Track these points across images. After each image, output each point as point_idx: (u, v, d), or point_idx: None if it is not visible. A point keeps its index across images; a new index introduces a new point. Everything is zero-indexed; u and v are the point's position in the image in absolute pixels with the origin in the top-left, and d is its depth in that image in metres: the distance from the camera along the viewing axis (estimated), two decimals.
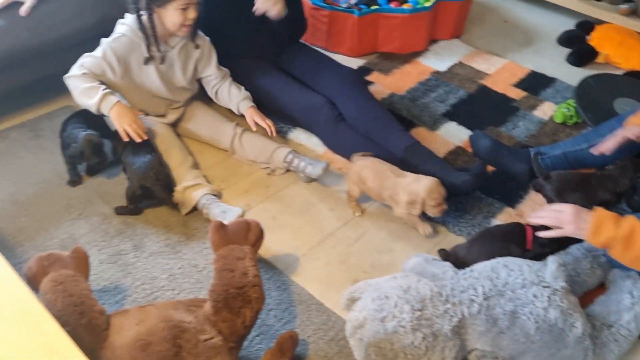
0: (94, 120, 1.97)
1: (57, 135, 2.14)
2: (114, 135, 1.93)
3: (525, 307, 1.44)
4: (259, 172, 2.10)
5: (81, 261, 1.45)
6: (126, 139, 1.87)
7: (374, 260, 1.80)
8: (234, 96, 2.14)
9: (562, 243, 1.68)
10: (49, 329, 1.01)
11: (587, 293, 1.68)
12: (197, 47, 2.06)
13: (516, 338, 1.43)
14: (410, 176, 1.85)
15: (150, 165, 1.83)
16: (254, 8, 2.06)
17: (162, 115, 2.12)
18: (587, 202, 1.64)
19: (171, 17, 1.87)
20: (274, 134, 2.10)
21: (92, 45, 1.93)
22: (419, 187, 1.80)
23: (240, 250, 1.48)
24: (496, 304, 1.45)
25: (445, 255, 1.73)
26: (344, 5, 2.84)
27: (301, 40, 2.55)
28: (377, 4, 2.91)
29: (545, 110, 2.49)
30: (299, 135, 2.25)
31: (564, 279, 1.52)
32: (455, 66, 2.75)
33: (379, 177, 1.86)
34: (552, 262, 1.55)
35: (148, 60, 1.95)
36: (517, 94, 2.58)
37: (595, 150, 1.89)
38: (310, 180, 2.06)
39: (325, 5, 2.70)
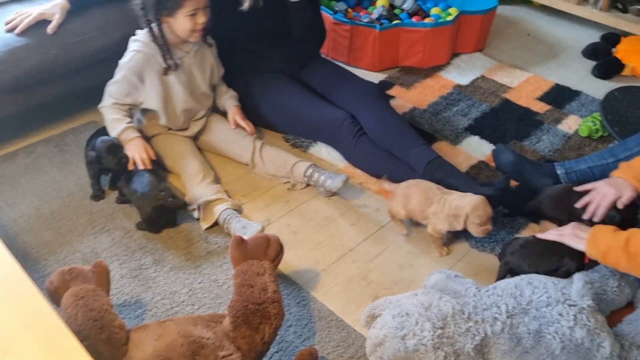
0: None
1: (81, 150, 2.17)
2: None
3: (551, 326, 1.41)
4: (280, 186, 2.10)
5: (102, 275, 1.46)
6: (131, 167, 1.91)
7: (395, 277, 1.78)
8: (222, 93, 2.20)
9: None
10: (69, 345, 1.01)
11: (614, 312, 1.63)
12: (210, 46, 2.10)
13: (541, 358, 1.39)
14: (456, 193, 1.83)
15: (152, 185, 1.84)
16: None
17: (185, 129, 2.14)
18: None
19: (181, 24, 1.90)
20: (253, 134, 2.13)
21: (118, 61, 1.97)
22: (465, 202, 1.76)
23: (260, 266, 1.47)
24: (520, 323, 1.41)
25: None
26: (365, 20, 2.85)
27: (322, 55, 2.56)
28: (399, 19, 2.92)
29: (570, 123, 2.45)
30: (320, 150, 2.25)
31: (591, 297, 1.48)
32: (477, 80, 2.73)
33: (424, 193, 1.84)
34: (578, 279, 1.51)
35: (166, 70, 1.97)
36: (541, 107, 2.55)
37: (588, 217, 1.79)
38: (331, 194, 2.05)
39: (346, 20, 2.71)
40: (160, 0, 1.84)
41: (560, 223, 1.80)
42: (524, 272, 1.63)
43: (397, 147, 2.06)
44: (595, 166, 1.99)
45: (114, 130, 1.94)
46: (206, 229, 1.90)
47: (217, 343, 1.31)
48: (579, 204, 1.76)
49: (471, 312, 1.43)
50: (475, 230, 1.77)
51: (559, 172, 2.06)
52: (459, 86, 2.68)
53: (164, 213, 1.87)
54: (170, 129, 2.12)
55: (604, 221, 1.70)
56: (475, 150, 2.28)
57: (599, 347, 1.41)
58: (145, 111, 2.08)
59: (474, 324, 1.40)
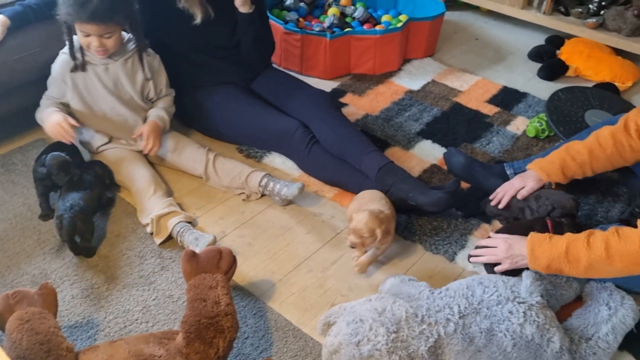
0: (67, 151, 1.96)
1: (28, 169, 2.13)
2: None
3: (502, 324, 1.44)
4: (234, 198, 2.09)
5: (49, 297, 1.42)
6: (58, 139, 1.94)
7: (351, 283, 1.79)
8: (153, 107, 2.15)
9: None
10: None
11: (564, 307, 1.67)
12: (142, 62, 2.06)
13: (493, 356, 1.42)
14: (366, 206, 1.78)
15: (73, 211, 1.78)
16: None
17: (133, 143, 2.11)
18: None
19: (79, 37, 1.92)
20: (150, 153, 2.08)
21: None
22: (355, 217, 1.73)
23: (212, 279, 1.46)
24: (472, 322, 1.44)
25: None
26: (317, 29, 2.86)
27: (274, 65, 2.57)
28: (350, 27, 2.95)
29: (518, 125, 2.51)
30: (274, 159, 2.24)
31: (540, 294, 1.52)
32: (428, 85, 2.77)
33: (358, 202, 1.85)
34: (526, 276, 1.55)
35: (74, 68, 1.98)
36: (490, 110, 2.61)
37: (495, 203, 1.93)
38: (287, 203, 2.05)
39: (297, 29, 2.72)
40: (61, 8, 1.85)
41: (506, 220, 1.90)
42: None
43: (349, 154, 2.07)
44: None
45: (38, 114, 2.01)
46: (160, 243, 1.87)
47: None
48: (492, 196, 1.88)
49: (424, 314, 1.44)
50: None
51: (508, 172, 2.11)
52: (410, 91, 2.72)
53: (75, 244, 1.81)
54: (110, 141, 2.10)
55: (512, 210, 1.87)
56: (428, 154, 2.32)
57: (549, 342, 1.44)
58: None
59: (427, 326, 1.42)
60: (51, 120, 1.94)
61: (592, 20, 3.02)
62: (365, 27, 2.98)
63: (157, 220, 1.88)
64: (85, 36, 1.88)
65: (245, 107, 2.24)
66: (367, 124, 2.47)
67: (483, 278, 1.56)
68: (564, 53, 2.96)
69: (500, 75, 2.89)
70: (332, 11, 3.04)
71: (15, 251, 1.83)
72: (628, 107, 2.49)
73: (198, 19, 2.10)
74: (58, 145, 1.98)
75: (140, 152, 2.10)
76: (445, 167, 2.23)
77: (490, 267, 1.70)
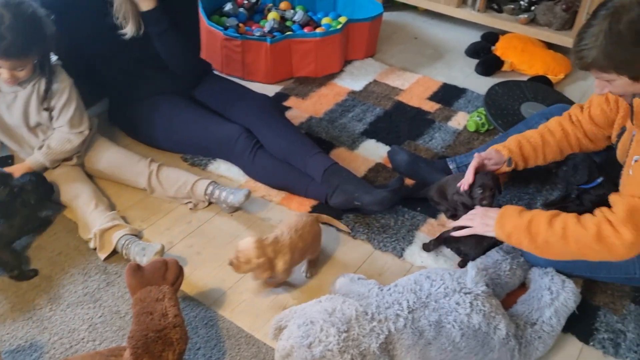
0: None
1: None
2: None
3: (449, 315, 1.47)
4: (181, 207, 2.06)
5: None
6: None
7: (302, 286, 1.78)
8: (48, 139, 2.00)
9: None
10: None
11: (509, 294, 1.73)
12: (46, 93, 1.93)
13: (443, 347, 1.44)
14: (283, 228, 1.73)
15: None
16: None
17: (68, 159, 2.05)
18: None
19: None
20: None
21: None
22: (243, 240, 1.67)
23: (159, 291, 1.43)
24: (421, 316, 1.46)
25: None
26: (258, 34, 2.86)
27: (216, 72, 2.55)
28: (291, 30, 2.96)
29: (459, 120, 2.57)
30: (219, 167, 2.22)
31: (485, 283, 1.56)
32: (370, 85, 2.81)
33: (284, 224, 1.79)
34: (471, 267, 1.58)
35: None
36: (431, 106, 2.66)
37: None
38: (234, 210, 2.04)
39: (237, 35, 2.70)
40: None
41: (446, 211, 1.94)
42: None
43: (294, 158, 2.08)
44: None
45: None
46: (104, 258, 1.82)
47: None
48: (461, 182, 1.87)
49: (374, 312, 1.46)
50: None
51: (451, 167, 2.16)
52: (353, 92, 2.74)
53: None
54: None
55: (449, 202, 1.89)
56: (372, 153, 2.34)
57: (495, 330, 1.48)
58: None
59: (377, 323, 1.43)
60: None
61: (524, 16, 3.12)
62: (305, 30, 2.99)
63: (100, 235, 1.83)
64: None
65: (187, 115, 2.21)
66: (311, 126, 2.48)
67: (430, 272, 1.59)
68: (499, 49, 3.05)
69: (439, 73, 2.95)
70: (272, 15, 3.04)
71: None
72: (561, 98, 2.59)
73: (130, 33, 2.06)
74: None
75: (77, 166, 2.05)
76: (390, 165, 2.26)
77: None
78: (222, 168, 2.22)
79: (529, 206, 2.07)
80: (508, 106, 2.49)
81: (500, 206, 1.71)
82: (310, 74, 2.83)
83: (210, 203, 2.06)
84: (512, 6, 3.20)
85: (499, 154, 1.89)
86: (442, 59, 3.10)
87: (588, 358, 1.61)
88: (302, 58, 2.77)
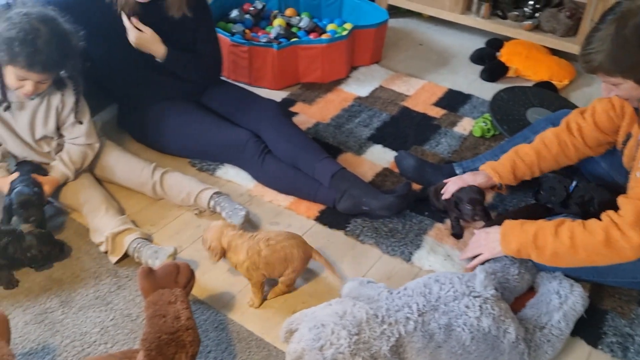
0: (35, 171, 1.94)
1: None
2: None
3: (459, 318, 1.47)
4: (190, 212, 2.07)
5: (1, 325, 1.37)
6: None
7: (311, 289, 1.80)
8: (62, 151, 2.02)
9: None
10: None
11: (518, 298, 1.73)
12: (77, 105, 1.96)
13: (453, 350, 1.45)
14: (278, 238, 1.72)
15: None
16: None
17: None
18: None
19: (9, 78, 1.80)
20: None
21: None
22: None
23: (171, 294, 1.44)
24: (431, 319, 1.47)
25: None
26: (264, 40, 2.88)
27: (223, 78, 2.57)
28: (297, 37, 2.98)
29: (465, 125, 2.58)
30: (228, 171, 2.24)
31: (494, 287, 1.57)
32: (376, 90, 2.83)
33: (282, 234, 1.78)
34: (480, 271, 1.59)
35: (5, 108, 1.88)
36: (437, 112, 2.68)
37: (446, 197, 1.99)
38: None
39: (244, 41, 2.73)
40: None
41: (445, 212, 2.01)
42: None
43: (302, 163, 2.09)
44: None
45: None
46: (115, 262, 1.84)
47: None
48: (444, 189, 1.96)
49: (384, 315, 1.47)
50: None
51: (457, 172, 2.17)
52: (359, 98, 2.76)
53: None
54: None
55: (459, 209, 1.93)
56: (379, 158, 2.36)
57: (505, 333, 1.49)
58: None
59: (387, 326, 1.44)
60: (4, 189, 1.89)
61: (528, 22, 3.14)
62: (311, 36, 3.02)
63: (112, 239, 1.84)
64: (20, 80, 1.78)
65: (195, 120, 2.23)
66: (318, 131, 2.50)
67: (439, 276, 1.60)
68: (504, 55, 3.08)
69: (445, 79, 2.97)
70: (278, 22, 3.07)
71: None
72: (565, 104, 2.61)
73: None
74: (26, 163, 1.98)
75: (86, 171, 2.06)
76: (397, 170, 2.27)
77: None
78: (231, 173, 2.23)
79: (493, 208, 2.10)
80: (514, 112, 2.51)
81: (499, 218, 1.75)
82: (316, 79, 2.85)
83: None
84: (517, 13, 3.22)
85: (488, 178, 1.94)
86: (447, 65, 3.12)
87: None
88: (308, 64, 2.79)
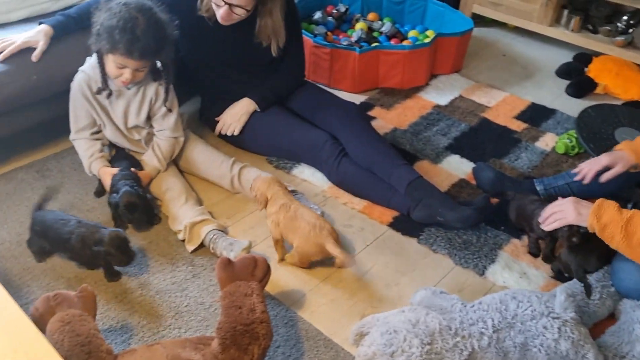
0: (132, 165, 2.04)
1: (63, 175, 2.18)
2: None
3: (536, 339, 1.43)
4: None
5: (88, 300, 1.44)
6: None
7: (381, 295, 1.79)
8: (154, 143, 2.09)
9: None
10: None
11: (597, 324, 1.67)
12: (167, 95, 2.03)
13: None
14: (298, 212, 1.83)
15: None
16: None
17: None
18: None
19: (109, 66, 1.89)
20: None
21: None
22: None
23: (248, 287, 1.47)
24: (506, 337, 1.43)
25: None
26: (345, 43, 2.90)
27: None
28: (378, 41, 2.98)
29: (547, 141, 2.51)
30: (303, 171, 2.26)
31: (574, 310, 1.51)
32: (456, 100, 2.79)
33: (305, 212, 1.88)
34: (560, 292, 1.54)
35: (99, 90, 1.97)
36: (518, 125, 2.61)
37: (579, 178, 1.94)
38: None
39: (326, 43, 2.75)
40: (99, 33, 1.83)
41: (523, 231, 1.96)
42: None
43: (378, 168, 2.09)
44: (572, 182, 2.05)
45: (85, 167, 2.06)
46: (192, 251, 1.89)
47: None
48: (542, 212, 1.81)
49: (458, 327, 1.44)
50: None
51: (538, 188, 2.11)
52: (438, 106, 2.73)
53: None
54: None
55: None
56: (456, 168, 2.32)
57: (583, 358, 1.43)
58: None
59: (461, 339, 1.42)
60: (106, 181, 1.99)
61: (621, 38, 3.02)
62: (392, 42, 3.01)
63: (190, 228, 1.90)
64: (119, 68, 1.87)
65: (274, 119, 2.27)
66: (395, 137, 2.48)
67: (516, 293, 1.56)
68: (593, 70, 2.96)
69: (528, 92, 2.89)
70: (360, 26, 3.08)
71: (51, 255, 1.87)
72: None
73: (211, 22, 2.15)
74: (122, 153, 2.11)
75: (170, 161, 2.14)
76: (473, 182, 2.23)
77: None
78: (306, 173, 2.26)
79: None
80: (601, 130, 2.41)
81: None
82: (396, 85, 2.84)
83: None
84: (609, 28, 3.10)
85: (626, 159, 1.84)
86: (531, 78, 3.04)
87: None
88: (389, 69, 2.79)
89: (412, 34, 3.10)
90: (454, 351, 1.39)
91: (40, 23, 2.08)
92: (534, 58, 3.24)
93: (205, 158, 2.17)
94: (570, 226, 1.72)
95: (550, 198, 2.00)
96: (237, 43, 2.20)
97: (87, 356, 1.27)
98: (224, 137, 2.38)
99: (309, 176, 2.25)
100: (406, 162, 2.10)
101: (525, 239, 1.98)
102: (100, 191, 2.09)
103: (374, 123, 2.54)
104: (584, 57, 3.11)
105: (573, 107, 2.70)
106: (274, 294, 1.77)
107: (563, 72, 3.04)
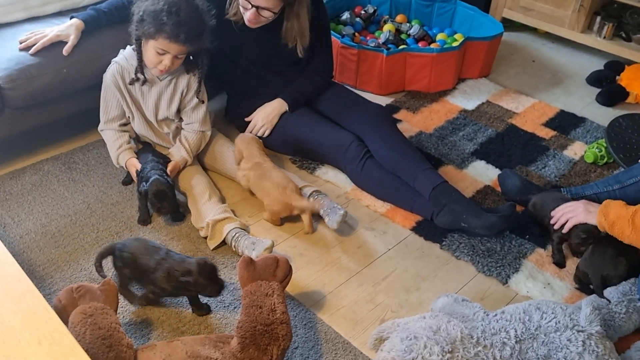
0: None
1: (89, 168, 2.20)
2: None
3: (559, 351, 1.40)
4: None
5: (111, 294, 1.45)
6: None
7: (402, 300, 1.77)
8: (182, 136, 2.11)
9: None
10: None
11: (622, 339, 1.63)
12: (199, 86, 2.06)
13: None
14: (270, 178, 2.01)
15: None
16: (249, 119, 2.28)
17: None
18: None
19: (148, 54, 1.92)
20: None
21: None
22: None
23: (269, 287, 1.47)
24: (529, 348, 1.41)
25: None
26: (372, 45, 2.88)
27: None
28: (405, 44, 2.96)
29: (576, 150, 2.46)
30: (327, 172, 2.26)
31: (599, 323, 1.48)
32: (483, 105, 2.75)
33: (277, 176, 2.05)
34: (586, 305, 1.51)
35: (132, 81, 1.99)
36: (546, 133, 2.57)
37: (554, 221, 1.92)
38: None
39: (354, 44, 2.74)
40: (143, 19, 1.86)
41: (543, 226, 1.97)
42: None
43: (403, 171, 2.07)
44: (601, 192, 2.00)
45: (112, 158, 2.08)
46: (213, 248, 1.90)
47: None
48: (553, 212, 1.89)
49: (480, 336, 1.42)
50: None
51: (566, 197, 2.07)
52: (464, 111, 2.70)
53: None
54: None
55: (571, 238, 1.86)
56: (482, 174, 2.29)
57: None
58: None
59: (482, 348, 1.39)
60: (133, 172, 2.02)
61: None
62: (420, 44, 2.99)
63: (212, 225, 1.90)
64: (160, 54, 1.89)
65: (299, 119, 2.26)
66: (420, 141, 2.46)
67: (540, 303, 1.53)
68: (624, 79, 2.90)
69: (557, 99, 2.85)
70: (388, 27, 3.06)
71: (74, 247, 1.89)
72: None
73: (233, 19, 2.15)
74: (148, 148, 2.12)
75: (195, 157, 2.15)
76: (499, 189, 2.20)
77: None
78: (330, 174, 2.25)
79: None
80: (632, 140, 2.36)
81: None
82: (422, 88, 2.81)
83: None
84: None
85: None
86: (560, 85, 2.99)
87: None
88: (416, 72, 2.77)
89: (440, 37, 3.07)
90: None
91: (71, 17, 2.11)
92: (564, 64, 3.19)
93: (231, 155, 2.17)
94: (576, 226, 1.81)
95: None
96: (264, 44, 2.21)
97: (107, 349, 1.28)
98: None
99: (332, 177, 2.24)
100: (431, 167, 2.08)
101: (550, 248, 1.95)
102: (127, 181, 2.12)
103: (399, 126, 2.52)
104: (616, 65, 3.05)
105: (603, 115, 2.66)
106: (294, 294, 1.77)
107: (594, 79, 2.99)
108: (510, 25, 3.45)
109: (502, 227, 1.91)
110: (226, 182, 2.18)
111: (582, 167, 2.36)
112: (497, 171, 2.28)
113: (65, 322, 1.38)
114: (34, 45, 2.02)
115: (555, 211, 1.88)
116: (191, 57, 2.02)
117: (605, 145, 2.36)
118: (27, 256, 1.84)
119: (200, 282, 1.57)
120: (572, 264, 1.90)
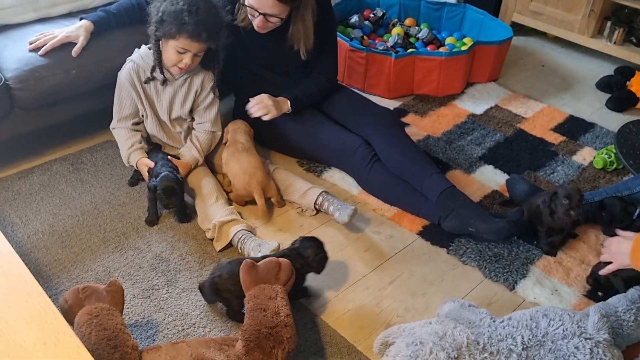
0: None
1: (97, 169, 2.21)
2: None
3: (567, 359, 1.39)
4: (293, 211, 2.10)
5: (117, 295, 1.46)
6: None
7: (408, 304, 1.76)
8: (193, 136, 2.13)
9: None
10: None
11: (630, 347, 1.61)
12: (214, 84, 2.09)
13: None
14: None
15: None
16: (247, 107, 2.18)
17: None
18: None
19: (168, 53, 1.93)
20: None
21: None
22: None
23: (272, 290, 1.47)
24: (535, 355, 1.40)
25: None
26: (381, 48, 2.88)
27: (338, 82, 2.58)
28: (414, 47, 2.95)
29: (585, 155, 2.44)
30: (334, 175, 2.25)
31: (607, 331, 1.46)
32: (491, 109, 2.74)
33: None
34: (594, 312, 1.49)
35: (147, 79, 2.00)
36: (555, 138, 2.55)
37: None
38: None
39: (362, 47, 2.73)
40: (163, 20, 1.87)
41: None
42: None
43: (410, 175, 2.06)
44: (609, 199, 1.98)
45: (123, 157, 2.09)
46: (220, 250, 1.90)
47: None
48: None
49: (486, 342, 1.41)
50: None
51: None
52: (473, 115, 2.69)
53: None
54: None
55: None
56: (489, 179, 2.28)
57: None
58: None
59: (488, 354, 1.38)
60: (145, 172, 2.03)
61: None
62: (429, 48, 2.98)
63: (219, 227, 1.90)
64: (181, 52, 1.91)
65: (308, 122, 2.26)
66: (428, 145, 2.45)
67: (548, 310, 1.51)
68: (635, 85, 2.88)
69: (566, 104, 2.83)
70: (397, 31, 3.05)
71: (81, 247, 1.89)
72: None
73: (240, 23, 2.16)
74: (158, 149, 2.13)
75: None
76: (507, 194, 2.19)
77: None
78: (337, 177, 2.24)
79: None
80: None
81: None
82: (430, 92, 2.80)
83: (318, 211, 2.08)
84: None
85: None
86: (570, 90, 2.97)
87: None
88: (424, 76, 2.76)
89: (449, 40, 3.06)
90: None
91: (81, 18, 2.12)
92: (573, 69, 3.17)
93: None
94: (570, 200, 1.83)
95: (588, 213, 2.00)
96: (271, 47, 2.21)
97: (113, 350, 1.28)
98: (257, 138, 2.38)
99: (338, 180, 2.23)
100: (439, 171, 2.07)
101: (559, 255, 1.94)
102: (134, 182, 2.13)
103: (407, 130, 2.51)
104: (626, 71, 3.03)
105: (613, 121, 2.64)
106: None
107: (604, 85, 2.97)
108: (519, 29, 3.43)
109: (509, 232, 1.90)
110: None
111: (591, 173, 2.34)
112: (505, 176, 2.27)
113: (71, 322, 1.38)
114: (43, 46, 2.03)
115: (603, 253, 1.79)
116: (209, 54, 2.03)
117: (614, 151, 2.34)
118: (34, 256, 1.85)
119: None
120: (580, 264, 1.88)
